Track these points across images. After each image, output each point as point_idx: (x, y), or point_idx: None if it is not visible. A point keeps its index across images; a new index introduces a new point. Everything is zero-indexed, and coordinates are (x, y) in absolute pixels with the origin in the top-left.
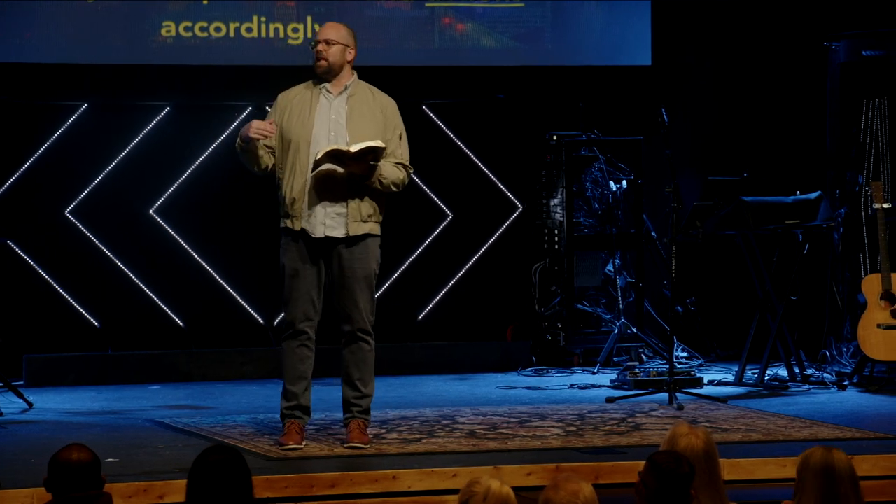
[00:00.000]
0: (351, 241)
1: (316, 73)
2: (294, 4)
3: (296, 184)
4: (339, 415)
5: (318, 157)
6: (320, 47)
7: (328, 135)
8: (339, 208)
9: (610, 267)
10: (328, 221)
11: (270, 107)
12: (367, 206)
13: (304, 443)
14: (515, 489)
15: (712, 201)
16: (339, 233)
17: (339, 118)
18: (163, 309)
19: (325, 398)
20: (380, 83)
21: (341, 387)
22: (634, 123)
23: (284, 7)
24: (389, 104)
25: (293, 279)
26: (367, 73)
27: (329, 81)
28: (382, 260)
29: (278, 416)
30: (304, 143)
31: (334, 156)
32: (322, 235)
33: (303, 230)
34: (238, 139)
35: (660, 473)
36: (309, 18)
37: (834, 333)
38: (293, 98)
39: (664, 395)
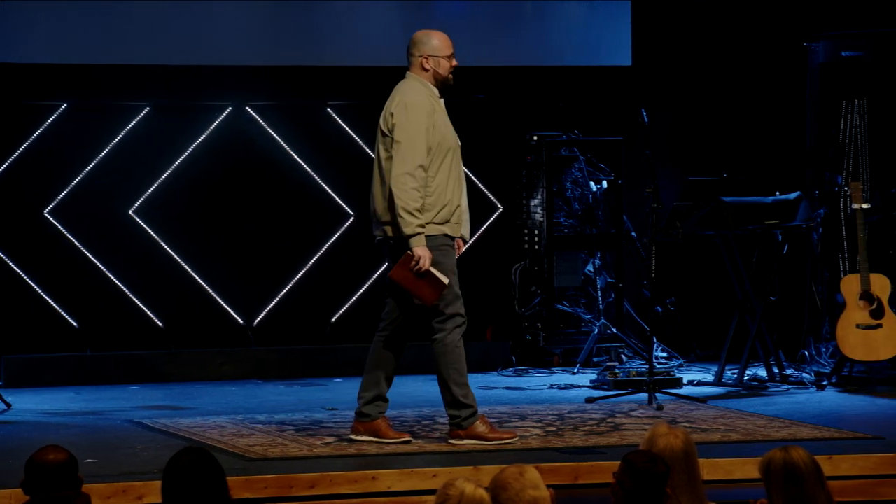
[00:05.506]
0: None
1: (445, 85)
2: None
3: (457, 192)
4: (317, 414)
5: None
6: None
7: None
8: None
9: (590, 267)
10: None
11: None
12: None
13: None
14: None
15: (692, 202)
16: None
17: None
18: (142, 309)
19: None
20: (360, 84)
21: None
22: (614, 124)
23: None
24: None
25: (455, 277)
26: (347, 73)
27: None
28: (368, 258)
29: (258, 416)
30: (457, 150)
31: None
32: (469, 238)
33: (461, 235)
34: (422, 253)
35: (635, 473)
36: None
37: (813, 333)
38: (430, 103)
39: (644, 396)
